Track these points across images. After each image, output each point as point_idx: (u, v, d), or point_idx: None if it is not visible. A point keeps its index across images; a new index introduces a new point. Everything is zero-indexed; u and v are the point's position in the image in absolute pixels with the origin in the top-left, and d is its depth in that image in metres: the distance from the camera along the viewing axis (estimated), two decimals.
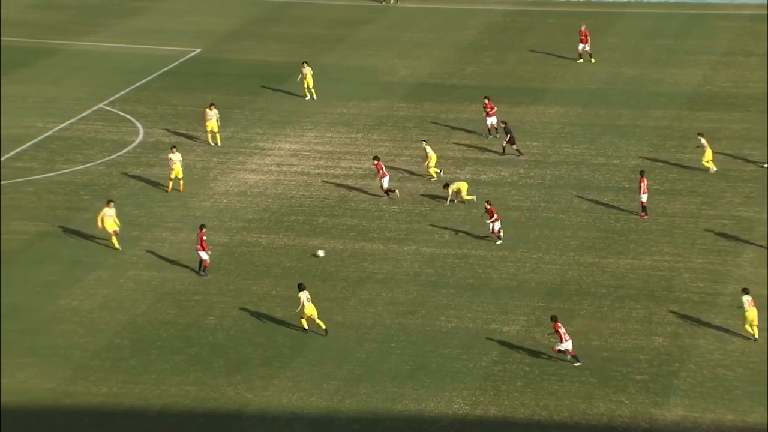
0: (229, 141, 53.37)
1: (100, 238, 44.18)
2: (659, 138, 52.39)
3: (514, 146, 51.10)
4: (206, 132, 52.34)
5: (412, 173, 49.74)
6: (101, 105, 57.20)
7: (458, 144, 52.98)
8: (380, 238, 44.68)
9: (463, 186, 46.90)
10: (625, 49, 64.43)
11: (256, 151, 52.28)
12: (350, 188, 48.80)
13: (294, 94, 58.26)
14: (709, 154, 49.00)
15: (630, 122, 55.01)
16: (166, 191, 47.59)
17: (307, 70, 56.98)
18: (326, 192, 48.58)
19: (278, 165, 50.92)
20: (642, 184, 45.33)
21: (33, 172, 50.02)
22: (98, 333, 38.30)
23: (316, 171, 50.34)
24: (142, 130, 54.45)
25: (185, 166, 49.77)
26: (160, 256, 43.08)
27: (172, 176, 47.47)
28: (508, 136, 51.01)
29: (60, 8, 72.13)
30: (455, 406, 34.96)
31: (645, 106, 56.70)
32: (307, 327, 38.15)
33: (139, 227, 45.03)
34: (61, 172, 50.02)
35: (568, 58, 62.28)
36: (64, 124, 54.98)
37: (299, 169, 50.37)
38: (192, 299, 40.35)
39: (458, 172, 50.01)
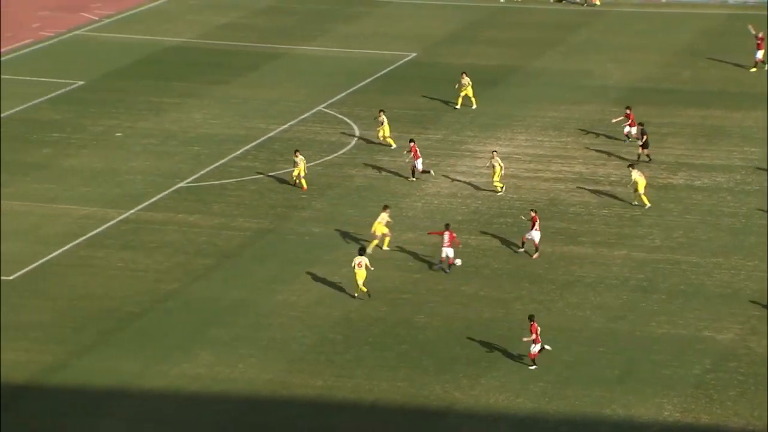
0: (440, 143, 54.27)
1: (318, 236, 45.76)
2: None
3: (646, 150, 50.10)
4: (378, 137, 53.21)
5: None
6: (320, 107, 59.09)
7: (672, 149, 52.23)
8: (589, 242, 44.59)
9: (641, 183, 46.23)
10: None
11: (467, 153, 52.96)
12: (560, 191, 48.86)
13: (504, 98, 58.68)
14: None
15: None
16: (293, 185, 49.37)
17: (466, 81, 57.10)
18: (535, 195, 48.80)
19: (489, 168, 51.43)
20: None
21: (256, 171, 52.20)
22: (314, 328, 39.70)
23: (526, 174, 50.60)
24: (358, 132, 56.00)
25: (399, 168, 50.91)
26: (372, 255, 44.26)
27: (295, 174, 49.32)
28: (644, 138, 49.99)
29: (286, 14, 74.69)
30: (665, 413, 34.64)
31: None
32: (366, 290, 40.09)
33: (354, 226, 46.39)
34: (281, 171, 52.03)
35: None
36: (284, 126, 57.09)
37: (509, 172, 50.70)
38: (401, 297, 41.31)
39: (671, 177, 49.32)
